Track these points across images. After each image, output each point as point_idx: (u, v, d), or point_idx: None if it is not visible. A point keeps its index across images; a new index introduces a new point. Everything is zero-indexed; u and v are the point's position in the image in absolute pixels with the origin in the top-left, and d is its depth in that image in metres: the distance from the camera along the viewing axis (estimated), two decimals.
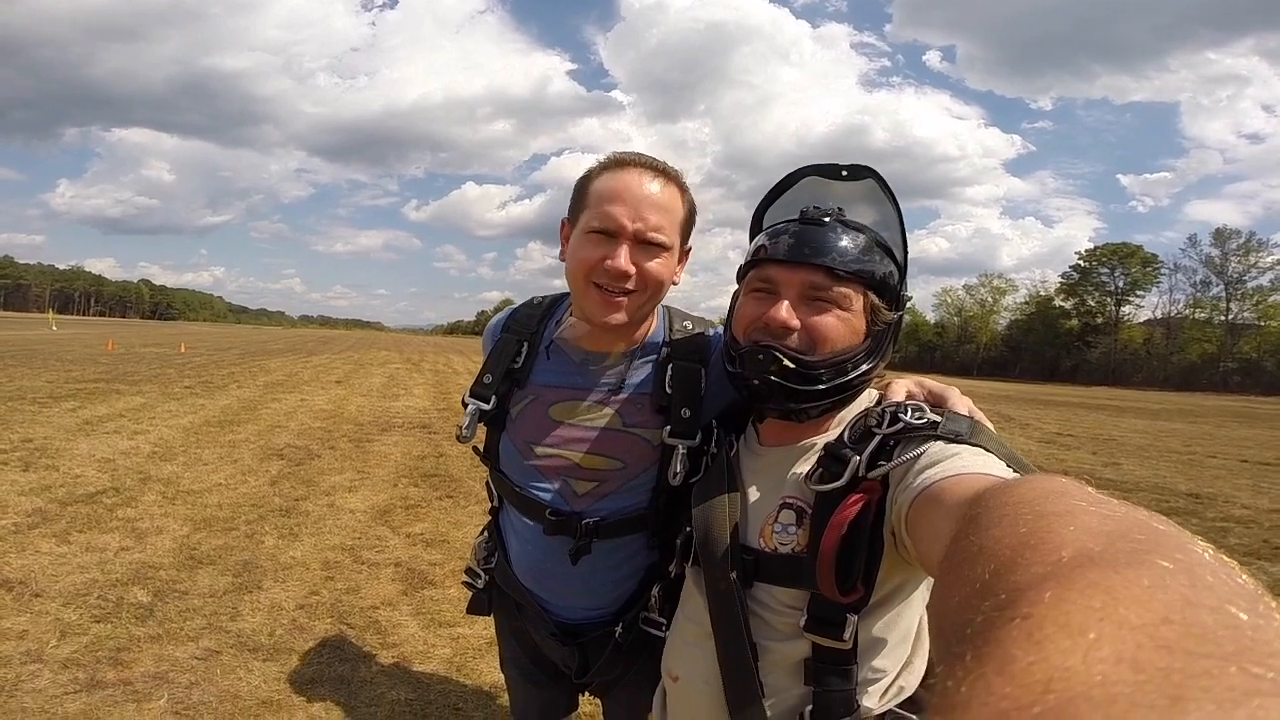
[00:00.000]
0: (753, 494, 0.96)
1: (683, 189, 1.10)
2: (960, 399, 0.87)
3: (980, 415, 0.84)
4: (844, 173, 0.97)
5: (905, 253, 0.96)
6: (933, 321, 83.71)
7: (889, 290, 0.92)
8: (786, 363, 0.87)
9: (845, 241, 0.89)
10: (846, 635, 0.83)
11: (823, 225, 0.90)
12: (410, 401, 10.44)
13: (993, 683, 0.22)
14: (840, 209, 0.94)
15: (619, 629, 1.16)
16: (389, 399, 10.58)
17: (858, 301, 0.89)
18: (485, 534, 1.31)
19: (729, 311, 1.01)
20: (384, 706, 2.41)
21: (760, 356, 0.88)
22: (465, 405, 1.18)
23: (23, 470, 4.83)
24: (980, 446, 0.75)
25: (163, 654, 2.58)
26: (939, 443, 0.76)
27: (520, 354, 1.17)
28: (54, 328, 34.03)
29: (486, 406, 1.16)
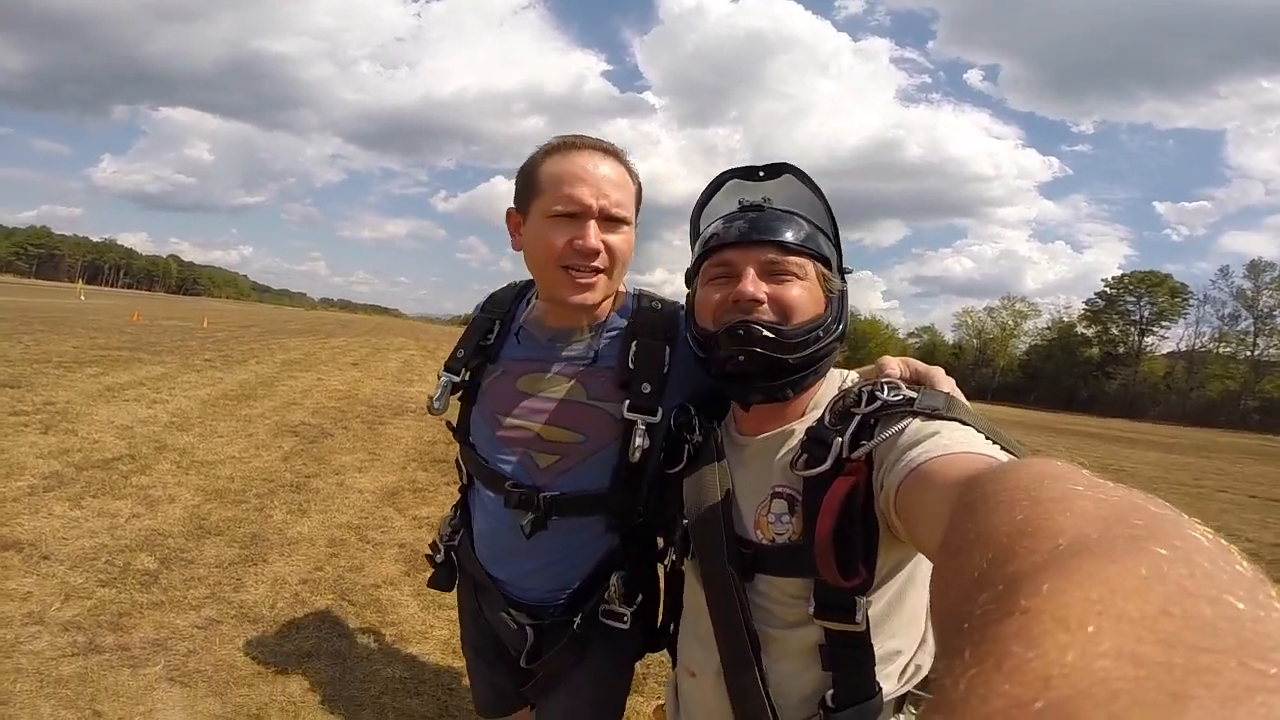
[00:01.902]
0: (742, 485, 0.97)
1: (629, 166, 1.13)
2: (945, 379, 0.87)
3: (960, 395, 0.85)
4: (761, 173, 1.01)
5: (836, 230, 1.00)
6: (950, 342, 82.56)
7: (831, 263, 0.96)
8: (766, 333, 0.88)
9: (785, 220, 0.94)
10: (859, 618, 0.83)
11: (763, 211, 0.96)
12: (424, 388, 10.49)
13: (991, 680, 0.22)
14: (769, 199, 0.98)
15: (578, 620, 1.14)
16: (403, 384, 10.65)
17: (811, 272, 0.93)
18: (454, 512, 1.33)
19: (688, 310, 1.03)
20: (378, 682, 2.42)
21: (740, 332, 0.89)
22: (439, 378, 1.22)
23: (42, 433, 4.91)
24: (957, 420, 0.75)
25: (164, 621, 2.60)
26: (917, 419, 0.76)
27: (492, 331, 1.22)
28: (81, 297, 34.75)
29: (457, 378, 1.21)
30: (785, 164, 1.00)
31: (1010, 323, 78.24)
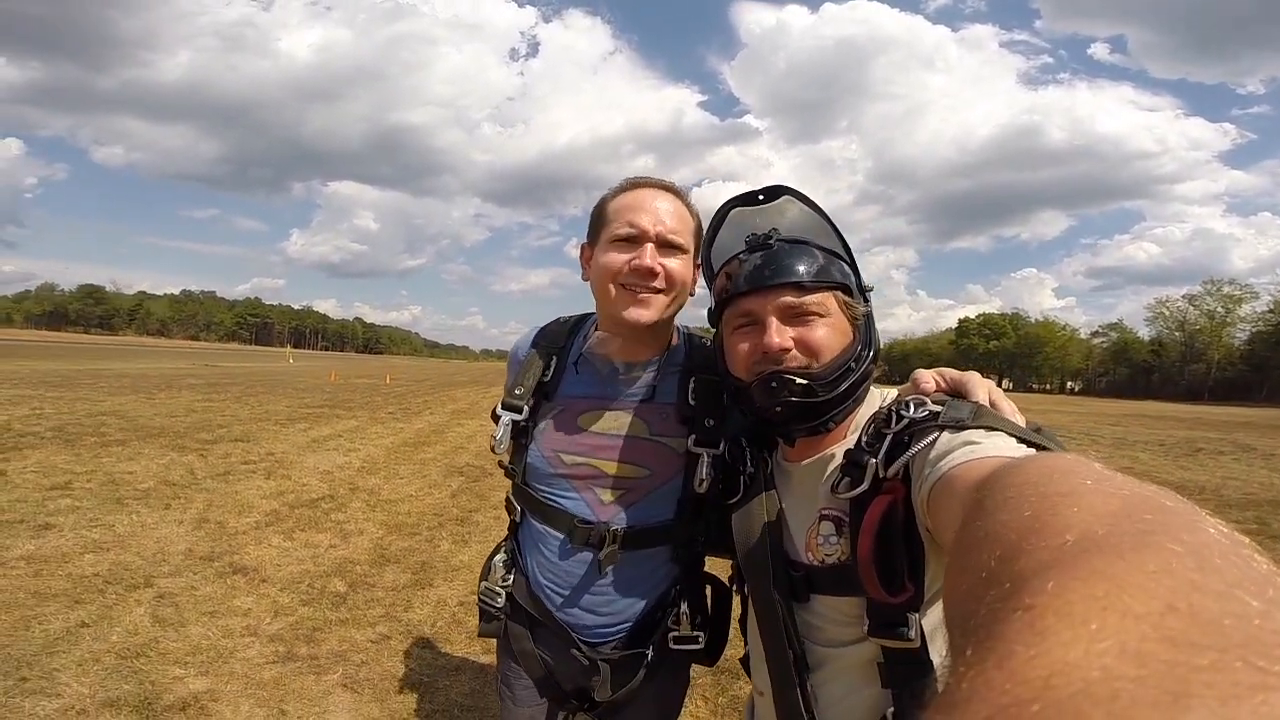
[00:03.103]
0: (792, 510, 0.99)
1: (689, 203, 1.16)
2: (980, 383, 0.84)
3: (1001, 398, 0.81)
4: (761, 197, 1.01)
5: (848, 248, 0.98)
6: (1146, 338, 70.77)
7: (850, 286, 0.94)
8: (799, 381, 0.89)
9: (796, 254, 0.93)
10: (913, 634, 0.82)
11: (771, 247, 0.94)
12: None
13: (993, 678, 0.21)
14: (774, 229, 0.96)
15: (650, 651, 1.16)
16: None
17: (832, 305, 0.92)
18: (503, 553, 1.28)
19: (718, 355, 1.03)
20: None
21: (773, 384, 0.90)
22: (496, 419, 1.20)
23: (266, 478, 5.88)
24: (984, 427, 0.73)
25: (346, 636, 3.00)
26: (945, 433, 0.75)
27: (549, 368, 1.21)
28: (290, 361, 40.88)
29: (519, 416, 1.18)
30: (782, 186, 1.00)
31: (1220, 310, 65.70)
